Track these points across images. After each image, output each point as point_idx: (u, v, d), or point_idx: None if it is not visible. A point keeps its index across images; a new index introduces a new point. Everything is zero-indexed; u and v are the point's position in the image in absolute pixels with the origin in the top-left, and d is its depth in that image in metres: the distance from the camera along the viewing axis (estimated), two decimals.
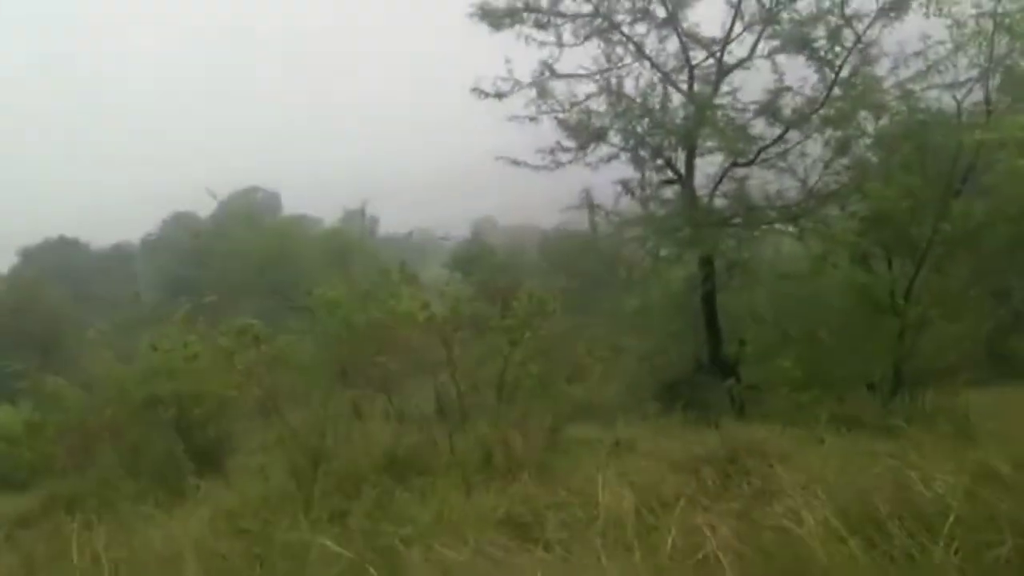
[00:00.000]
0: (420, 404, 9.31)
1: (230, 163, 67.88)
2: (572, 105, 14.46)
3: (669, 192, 15.18)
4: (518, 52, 14.40)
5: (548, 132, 14.77)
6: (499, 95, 14.44)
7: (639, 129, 14.22)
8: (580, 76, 14.66)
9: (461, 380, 8.18)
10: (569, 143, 14.71)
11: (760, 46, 13.90)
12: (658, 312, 15.90)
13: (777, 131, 13.80)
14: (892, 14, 12.76)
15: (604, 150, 14.81)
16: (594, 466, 5.71)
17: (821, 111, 13.23)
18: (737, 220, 14.54)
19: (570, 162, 14.78)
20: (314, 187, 60.92)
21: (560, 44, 14.39)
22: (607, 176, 15.31)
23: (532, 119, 14.60)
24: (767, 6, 13.74)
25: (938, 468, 4.23)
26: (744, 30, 13.99)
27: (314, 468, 6.73)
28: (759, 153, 13.89)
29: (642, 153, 14.51)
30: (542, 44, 14.30)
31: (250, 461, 9.20)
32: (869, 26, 12.96)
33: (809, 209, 14.10)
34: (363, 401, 9.16)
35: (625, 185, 15.29)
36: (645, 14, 14.31)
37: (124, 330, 14.21)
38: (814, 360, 12.02)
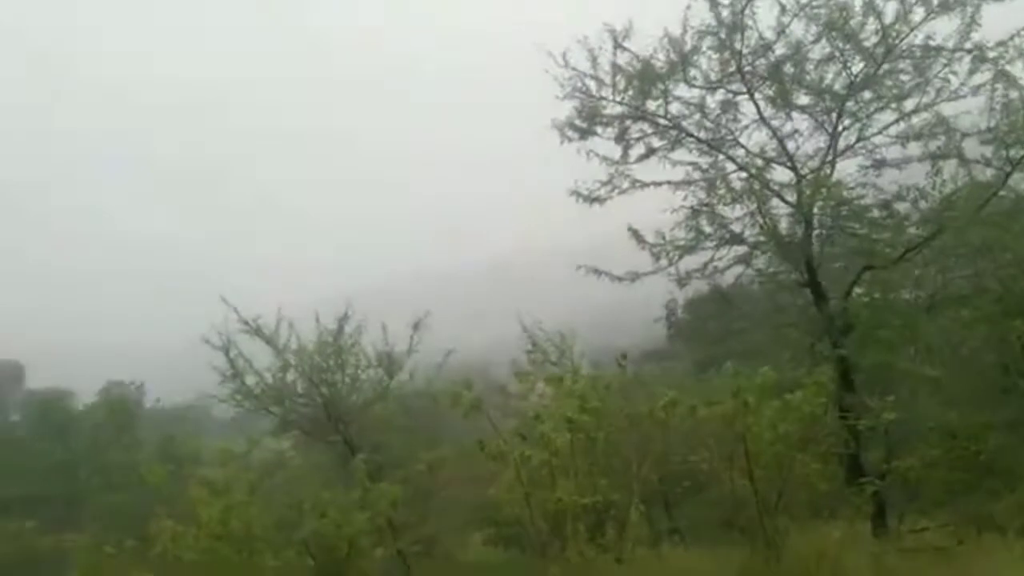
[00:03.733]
0: None
1: None
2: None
3: (788, 297, 13.20)
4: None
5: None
6: (597, 199, 12.96)
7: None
8: (678, 183, 12.90)
9: None
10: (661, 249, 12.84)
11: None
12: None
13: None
14: None
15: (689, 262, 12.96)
16: None
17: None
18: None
19: (650, 273, 12.94)
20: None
21: (625, 161, 12.84)
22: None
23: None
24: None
25: None
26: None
27: None
28: (904, 254, 11.87)
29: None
30: (604, 159, 12.82)
31: None
32: None
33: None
34: None
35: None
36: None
37: None
38: None
